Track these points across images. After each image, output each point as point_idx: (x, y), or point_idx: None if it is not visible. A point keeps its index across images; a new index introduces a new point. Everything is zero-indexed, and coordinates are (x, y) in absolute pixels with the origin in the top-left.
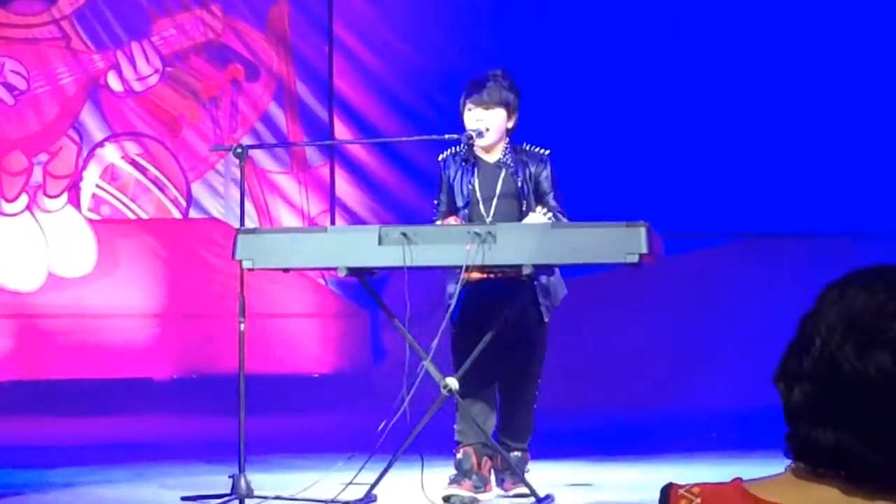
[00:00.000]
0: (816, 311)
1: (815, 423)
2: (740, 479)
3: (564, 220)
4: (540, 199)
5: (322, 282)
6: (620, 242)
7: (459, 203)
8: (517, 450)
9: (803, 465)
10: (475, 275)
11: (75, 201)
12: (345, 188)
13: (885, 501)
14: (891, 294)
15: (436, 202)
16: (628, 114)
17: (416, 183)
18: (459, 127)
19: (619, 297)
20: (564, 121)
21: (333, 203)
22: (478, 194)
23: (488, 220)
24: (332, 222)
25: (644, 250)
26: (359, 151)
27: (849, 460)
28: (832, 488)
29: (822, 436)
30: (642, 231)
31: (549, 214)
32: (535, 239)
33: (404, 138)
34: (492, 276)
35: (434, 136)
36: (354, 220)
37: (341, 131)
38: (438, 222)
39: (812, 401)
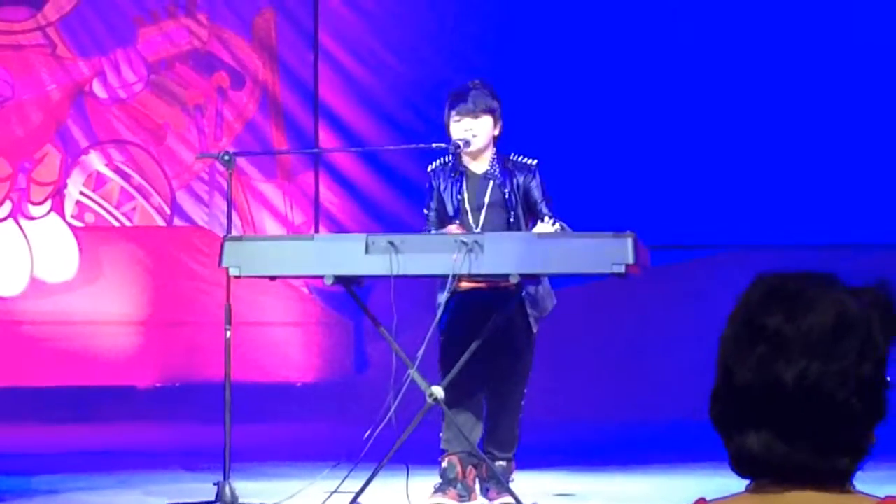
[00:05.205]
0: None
1: (741, 430)
2: (703, 498)
3: (569, 228)
4: (531, 210)
5: (305, 290)
6: (607, 253)
7: (450, 212)
8: (502, 459)
9: (764, 482)
10: (464, 284)
11: (59, 208)
12: (329, 197)
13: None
14: (761, 294)
15: (426, 211)
16: (614, 125)
17: (401, 193)
18: (444, 137)
19: (605, 307)
20: (551, 130)
21: (318, 212)
22: (466, 205)
23: (477, 230)
24: (316, 231)
25: (631, 261)
26: (343, 160)
27: (777, 462)
28: (793, 493)
29: (748, 441)
30: (629, 241)
31: (557, 225)
32: (521, 248)
33: (390, 147)
34: (481, 285)
35: (421, 145)
36: (338, 229)
37: (326, 140)
38: (433, 231)
39: (731, 412)
